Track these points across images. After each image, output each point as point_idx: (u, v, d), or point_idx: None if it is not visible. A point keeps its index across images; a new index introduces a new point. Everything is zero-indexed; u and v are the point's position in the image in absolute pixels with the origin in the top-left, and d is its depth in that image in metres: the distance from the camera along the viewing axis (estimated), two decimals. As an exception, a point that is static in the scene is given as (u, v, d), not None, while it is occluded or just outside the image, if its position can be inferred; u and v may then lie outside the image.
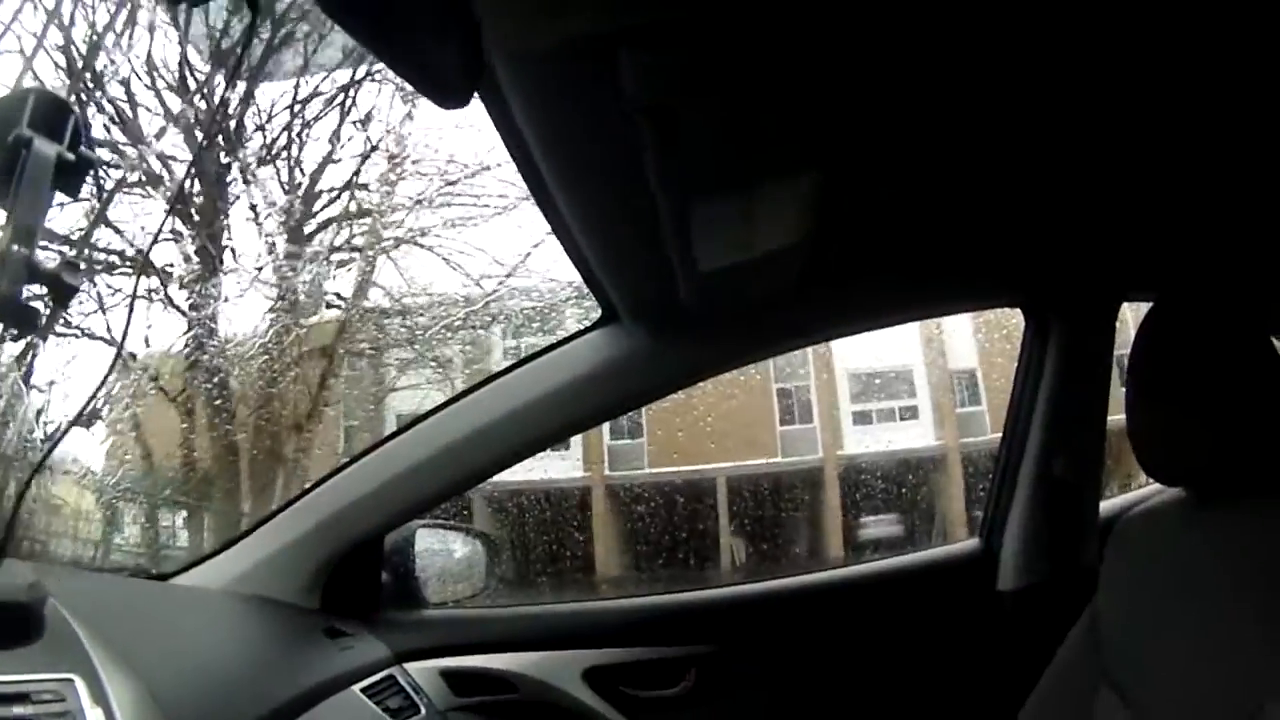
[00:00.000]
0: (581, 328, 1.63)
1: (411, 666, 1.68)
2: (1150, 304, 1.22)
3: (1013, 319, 1.79)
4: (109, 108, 7.10)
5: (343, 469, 1.69)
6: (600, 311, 1.58)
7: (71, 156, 0.70)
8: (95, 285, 7.02)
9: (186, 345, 7.30)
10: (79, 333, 6.91)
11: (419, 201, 8.01)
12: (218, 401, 7.37)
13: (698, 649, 1.72)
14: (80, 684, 0.86)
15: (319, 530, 1.65)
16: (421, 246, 8.10)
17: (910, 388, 10.56)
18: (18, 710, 0.78)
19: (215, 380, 7.31)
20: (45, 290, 0.72)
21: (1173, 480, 1.23)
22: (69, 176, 0.71)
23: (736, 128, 1.05)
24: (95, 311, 6.91)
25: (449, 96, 0.91)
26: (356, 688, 1.48)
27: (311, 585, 1.66)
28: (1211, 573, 1.11)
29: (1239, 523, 1.11)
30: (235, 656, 1.34)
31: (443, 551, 1.86)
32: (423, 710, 1.61)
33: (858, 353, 10.26)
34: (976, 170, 1.33)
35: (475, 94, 0.92)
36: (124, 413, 7.27)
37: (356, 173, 8.04)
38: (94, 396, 5.98)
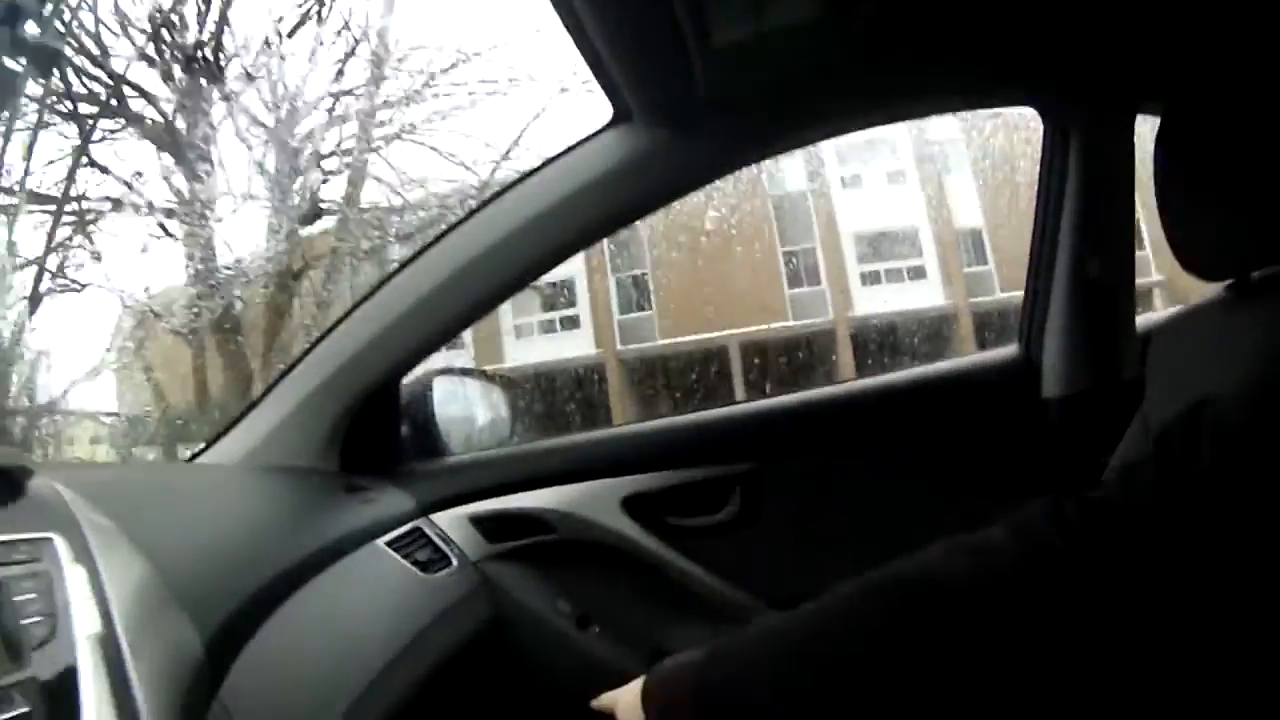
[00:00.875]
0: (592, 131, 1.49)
1: (439, 517, 1.60)
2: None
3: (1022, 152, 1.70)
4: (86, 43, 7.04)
5: (346, 317, 1.57)
6: (611, 111, 1.45)
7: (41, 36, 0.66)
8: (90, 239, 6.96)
9: (190, 277, 7.26)
10: (77, 286, 6.88)
11: (406, 98, 8.04)
12: (226, 329, 7.34)
13: (740, 467, 1.63)
14: (60, 541, 0.77)
15: (328, 386, 1.54)
16: (412, 141, 8.18)
17: (916, 248, 10.48)
18: None
19: (222, 309, 7.30)
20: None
21: (1214, 274, 1.14)
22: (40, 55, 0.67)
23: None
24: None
25: None
26: (381, 541, 1.39)
27: (327, 446, 1.56)
28: (1256, 362, 1.04)
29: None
30: (246, 522, 1.23)
31: (462, 400, 1.75)
32: (454, 561, 1.53)
33: (863, 214, 10.19)
34: None
35: None
36: (134, 355, 7.25)
37: (340, 76, 8.01)
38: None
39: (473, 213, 1.54)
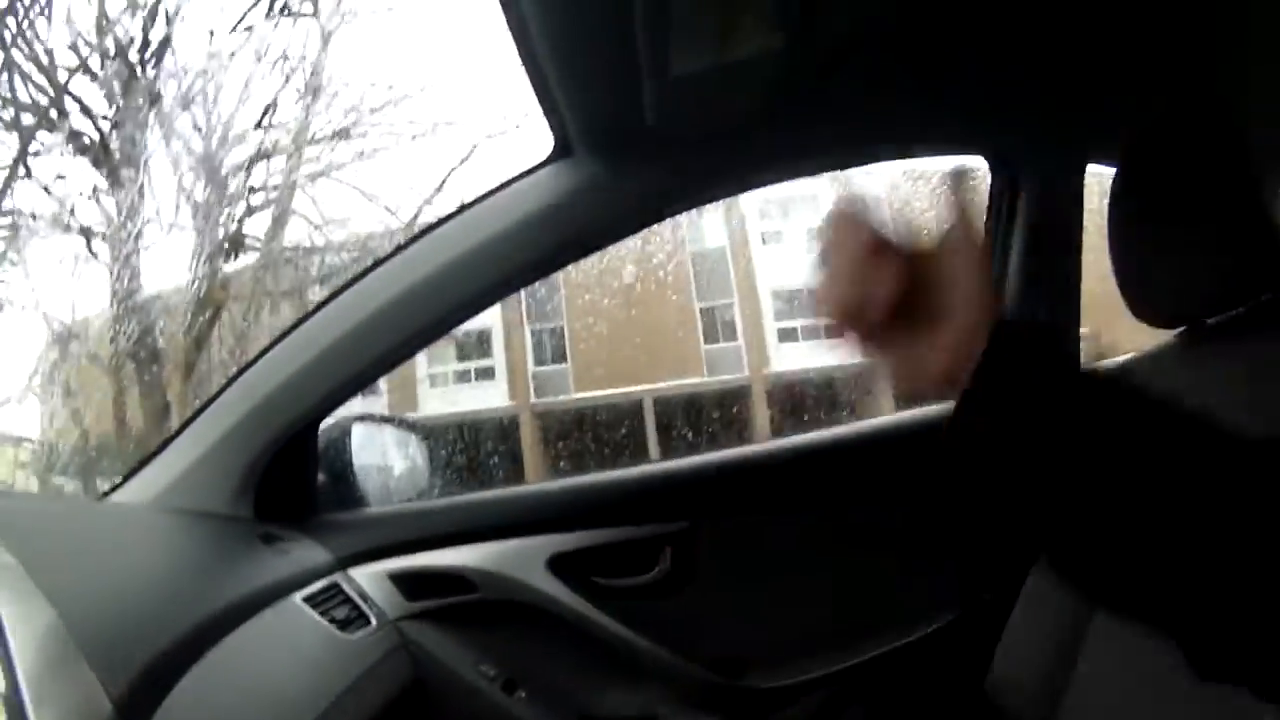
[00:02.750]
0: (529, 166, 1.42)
1: (357, 572, 1.50)
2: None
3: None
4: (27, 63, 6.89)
5: (264, 355, 1.47)
6: (551, 146, 1.39)
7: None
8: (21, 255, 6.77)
9: (115, 304, 7.09)
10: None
11: (336, 134, 8.00)
12: (145, 359, 7.17)
13: (671, 526, 1.57)
14: None
15: (243, 427, 1.44)
16: (337, 180, 8.14)
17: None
18: None
19: (145, 339, 7.13)
20: None
21: (1168, 320, 1.16)
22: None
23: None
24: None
25: None
26: (297, 597, 1.30)
27: (241, 491, 1.46)
28: (1216, 408, 1.04)
29: (1238, 355, 1.07)
30: (157, 571, 1.14)
31: (381, 448, 1.66)
32: (372, 620, 1.42)
33: (782, 270, 10.29)
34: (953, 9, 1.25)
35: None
36: (56, 381, 6.98)
37: (271, 110, 7.90)
38: None
39: (399, 249, 1.45)
